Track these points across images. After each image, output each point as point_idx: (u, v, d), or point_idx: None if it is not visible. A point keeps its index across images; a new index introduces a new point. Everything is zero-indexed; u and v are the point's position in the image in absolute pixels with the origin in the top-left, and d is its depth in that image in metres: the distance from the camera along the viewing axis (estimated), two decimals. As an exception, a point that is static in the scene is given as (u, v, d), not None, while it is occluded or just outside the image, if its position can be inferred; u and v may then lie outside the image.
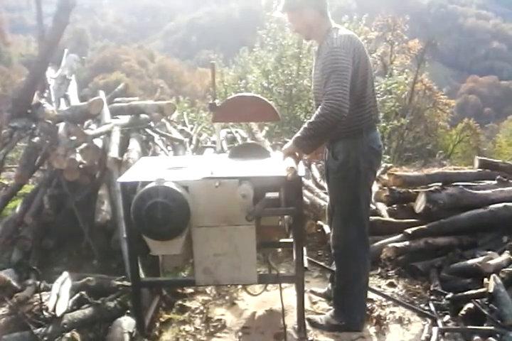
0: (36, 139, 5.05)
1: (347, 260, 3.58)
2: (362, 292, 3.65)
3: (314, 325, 3.65)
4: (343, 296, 3.62)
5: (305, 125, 3.23)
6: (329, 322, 3.63)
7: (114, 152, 4.76)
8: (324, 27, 3.37)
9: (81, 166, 4.87)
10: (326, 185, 5.87)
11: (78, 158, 4.79)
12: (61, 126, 5.09)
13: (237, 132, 8.84)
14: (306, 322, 3.59)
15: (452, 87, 65.99)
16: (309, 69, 14.94)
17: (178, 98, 19.76)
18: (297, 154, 3.29)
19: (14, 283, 3.38)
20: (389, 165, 7.97)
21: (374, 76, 3.60)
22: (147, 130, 5.92)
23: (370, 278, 4.10)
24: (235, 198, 3.11)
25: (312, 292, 4.16)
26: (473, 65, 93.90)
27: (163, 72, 69.53)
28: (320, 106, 3.17)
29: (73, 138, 4.90)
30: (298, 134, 3.25)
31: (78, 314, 3.30)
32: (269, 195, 3.26)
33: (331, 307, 3.80)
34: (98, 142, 5.08)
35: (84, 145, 4.92)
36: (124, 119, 5.70)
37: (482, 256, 4.26)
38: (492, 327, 3.46)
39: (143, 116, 5.88)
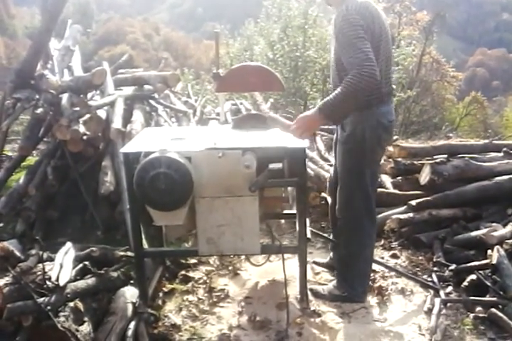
0: (39, 110, 5.02)
1: (352, 232, 3.58)
2: (366, 264, 3.66)
3: (316, 295, 3.67)
4: (347, 268, 3.63)
5: (334, 93, 3.08)
6: (331, 293, 3.66)
7: (117, 123, 4.71)
8: None
9: (84, 137, 4.85)
10: (330, 157, 5.90)
11: (81, 129, 4.76)
12: (64, 96, 5.06)
13: (241, 104, 8.76)
14: (309, 293, 3.61)
15: (460, 59, 65.08)
16: (315, 40, 14.83)
17: (183, 70, 19.63)
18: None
19: (18, 253, 3.37)
20: (395, 137, 7.90)
21: (390, 46, 3.37)
22: (151, 101, 5.87)
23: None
24: (238, 169, 3.10)
25: (315, 263, 4.18)
26: (482, 37, 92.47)
27: (168, 45, 68.88)
28: (351, 73, 3.01)
29: (76, 108, 4.86)
30: (324, 101, 3.13)
31: (81, 284, 3.29)
32: (272, 165, 3.23)
33: (334, 278, 3.82)
34: (102, 113, 5.04)
35: (87, 116, 4.88)
36: (128, 90, 5.64)
37: (486, 228, 4.26)
38: (494, 299, 3.49)
39: (147, 87, 5.83)
